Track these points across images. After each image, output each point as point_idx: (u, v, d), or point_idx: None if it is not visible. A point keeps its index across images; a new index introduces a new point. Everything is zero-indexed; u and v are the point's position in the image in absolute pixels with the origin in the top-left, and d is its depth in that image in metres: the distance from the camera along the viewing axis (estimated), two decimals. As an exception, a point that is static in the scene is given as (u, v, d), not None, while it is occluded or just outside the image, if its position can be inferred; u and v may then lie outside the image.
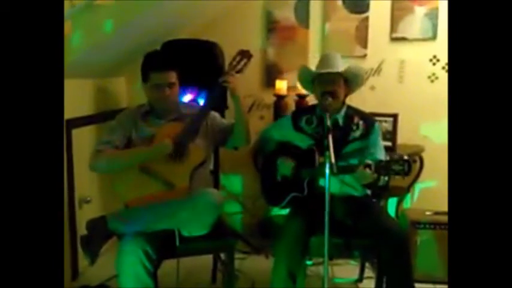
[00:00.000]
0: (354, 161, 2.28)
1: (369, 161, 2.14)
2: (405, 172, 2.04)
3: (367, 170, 2.12)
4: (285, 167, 2.42)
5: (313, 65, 3.43)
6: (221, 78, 2.30)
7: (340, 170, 2.13)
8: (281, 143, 2.54)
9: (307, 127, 2.48)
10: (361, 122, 2.45)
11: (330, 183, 1.92)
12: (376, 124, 2.50)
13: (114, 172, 2.24)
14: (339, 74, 2.38)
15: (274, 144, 2.57)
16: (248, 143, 2.47)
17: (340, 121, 2.44)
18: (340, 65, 2.41)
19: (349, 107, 2.50)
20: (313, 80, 2.46)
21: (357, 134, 2.43)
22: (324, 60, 2.46)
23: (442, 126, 3.30)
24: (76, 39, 2.39)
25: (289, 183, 2.41)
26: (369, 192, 2.48)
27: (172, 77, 2.30)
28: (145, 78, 2.31)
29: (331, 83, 2.38)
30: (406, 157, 2.06)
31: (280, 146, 2.54)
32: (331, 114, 2.27)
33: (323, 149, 2.32)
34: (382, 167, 2.10)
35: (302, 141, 2.46)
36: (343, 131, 2.40)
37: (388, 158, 2.13)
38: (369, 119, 2.49)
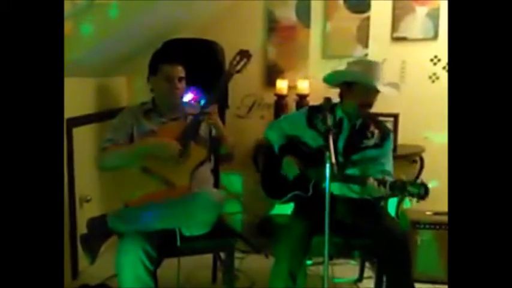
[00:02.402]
0: (363, 172, 2.25)
1: (381, 177, 2.10)
2: (420, 196, 1.97)
3: (381, 188, 2.08)
4: (290, 170, 2.38)
5: (314, 64, 3.46)
6: (202, 117, 2.29)
7: (347, 179, 2.14)
8: (290, 138, 2.49)
9: (323, 126, 2.45)
10: (376, 131, 2.40)
11: (330, 184, 1.89)
12: (391, 135, 2.47)
13: (119, 168, 2.24)
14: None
15: (283, 138, 2.50)
16: (230, 161, 2.50)
17: (357, 127, 2.40)
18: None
19: (368, 113, 2.43)
20: (350, 82, 2.34)
21: (371, 142, 2.38)
22: (374, 69, 2.31)
23: (442, 126, 3.30)
24: (77, 38, 2.39)
25: (294, 180, 2.38)
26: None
27: (182, 72, 2.37)
28: (154, 71, 2.35)
29: (374, 96, 2.30)
30: (423, 181, 2.00)
31: (289, 141, 2.49)
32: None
33: (335, 152, 2.30)
34: (397, 187, 2.05)
35: (314, 140, 2.40)
36: (357, 138, 2.37)
37: (405, 179, 2.07)
38: (385, 129, 2.45)
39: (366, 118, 2.42)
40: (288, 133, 2.51)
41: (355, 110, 2.35)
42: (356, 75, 2.32)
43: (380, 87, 2.25)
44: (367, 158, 2.36)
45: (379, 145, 2.39)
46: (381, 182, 2.09)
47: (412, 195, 2.00)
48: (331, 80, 2.45)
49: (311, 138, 2.43)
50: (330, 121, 2.13)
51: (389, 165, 2.38)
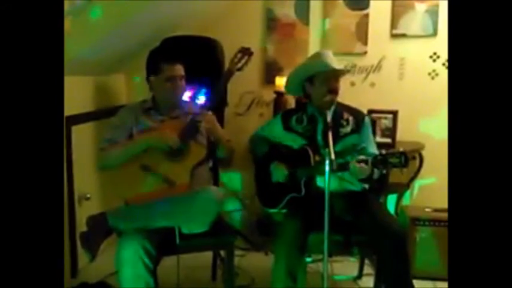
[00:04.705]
0: (348, 158, 2.28)
1: (363, 157, 2.14)
2: (402, 164, 2.04)
3: (363, 165, 2.13)
4: (279, 173, 2.41)
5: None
6: (193, 116, 2.29)
7: (337, 168, 2.14)
8: (273, 145, 2.55)
9: (298, 126, 2.48)
10: (351, 118, 2.46)
11: (324, 178, 1.91)
12: (367, 118, 2.52)
13: (119, 166, 2.23)
14: (341, 71, 2.42)
15: (266, 146, 2.57)
16: (228, 166, 2.52)
17: (331, 118, 2.42)
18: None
19: (339, 104, 2.50)
20: (308, 78, 2.44)
21: (348, 129, 2.43)
22: (325, 57, 2.41)
23: (442, 123, 3.31)
24: (75, 36, 2.38)
25: (285, 185, 2.40)
26: (366, 186, 2.48)
27: (182, 70, 2.36)
28: (155, 70, 2.33)
29: (336, 80, 2.40)
30: (402, 149, 2.06)
31: (272, 147, 2.55)
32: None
33: (316, 148, 2.34)
34: (379, 161, 2.10)
35: (294, 141, 2.46)
36: (333, 128, 2.39)
37: (384, 152, 2.13)
38: (359, 114, 2.51)
39: (337, 108, 2.47)
40: (271, 140, 2.57)
41: (323, 102, 2.40)
42: (314, 66, 2.42)
43: (337, 66, 2.37)
44: (349, 145, 2.40)
45: (357, 130, 2.44)
46: (362, 161, 2.13)
47: (395, 166, 2.06)
48: (292, 88, 2.56)
49: (291, 140, 2.48)
50: (329, 118, 2.14)
51: (372, 148, 2.42)
